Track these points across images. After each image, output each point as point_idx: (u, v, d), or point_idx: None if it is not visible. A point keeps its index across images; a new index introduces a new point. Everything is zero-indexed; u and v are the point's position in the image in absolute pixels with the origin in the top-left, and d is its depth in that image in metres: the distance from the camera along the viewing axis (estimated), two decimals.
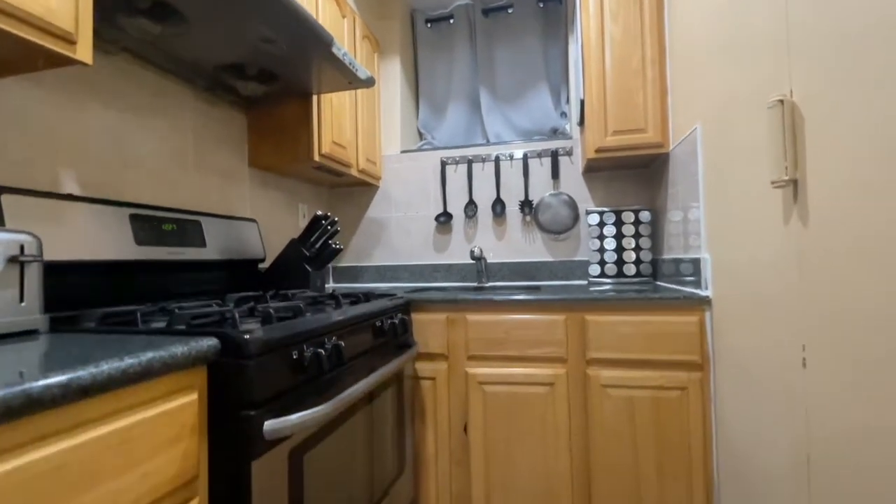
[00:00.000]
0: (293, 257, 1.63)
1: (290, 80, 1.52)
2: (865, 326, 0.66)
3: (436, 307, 1.53)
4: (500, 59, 2.39)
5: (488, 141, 2.36)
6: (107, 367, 0.54)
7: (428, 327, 1.53)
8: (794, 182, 0.82)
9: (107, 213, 1.10)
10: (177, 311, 0.91)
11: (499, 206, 2.12)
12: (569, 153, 2.07)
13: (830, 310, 0.74)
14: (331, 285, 2.30)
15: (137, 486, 0.58)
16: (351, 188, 2.33)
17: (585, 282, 2.01)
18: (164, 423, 0.62)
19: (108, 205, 1.11)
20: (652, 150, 1.68)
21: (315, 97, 1.68)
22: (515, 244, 2.11)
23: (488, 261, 2.13)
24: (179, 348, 0.64)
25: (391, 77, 2.31)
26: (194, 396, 0.67)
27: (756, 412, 1.03)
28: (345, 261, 2.32)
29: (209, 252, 1.39)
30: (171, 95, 1.42)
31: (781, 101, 0.82)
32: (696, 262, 1.38)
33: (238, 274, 1.57)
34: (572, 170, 2.07)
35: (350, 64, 1.44)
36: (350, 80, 1.54)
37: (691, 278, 1.43)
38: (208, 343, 0.69)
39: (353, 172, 1.97)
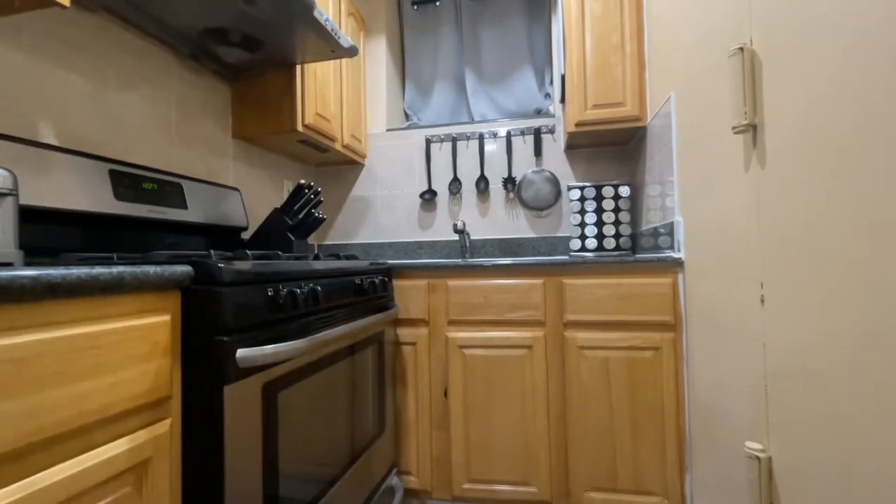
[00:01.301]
0: (276, 225, 1.64)
1: (273, 47, 1.53)
2: (819, 261, 0.69)
3: (417, 273, 1.55)
4: (486, 40, 2.42)
5: (473, 120, 2.38)
6: (77, 270, 0.55)
7: (409, 293, 1.55)
8: (754, 127, 0.86)
9: (86, 165, 1.10)
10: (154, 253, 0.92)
11: (482, 184, 2.15)
12: (551, 131, 2.11)
13: (786, 247, 0.77)
14: None
15: (107, 394, 0.59)
16: (337, 166, 2.34)
17: (567, 257, 2.04)
18: (136, 338, 0.63)
19: (88, 158, 1.11)
20: (630, 124, 1.72)
21: (299, 68, 1.69)
22: (499, 221, 2.14)
23: (472, 237, 2.15)
24: (152, 268, 0.66)
25: (377, 56, 2.32)
26: (167, 318, 0.69)
27: (721, 358, 1.07)
28: (330, 238, 2.33)
29: (191, 214, 1.40)
30: (155, 61, 1.42)
31: (741, 49, 0.86)
32: (669, 227, 1.42)
33: (220, 239, 1.57)
34: (555, 147, 2.11)
35: (332, 31, 1.46)
36: (333, 48, 1.55)
37: (668, 249, 1.47)
38: (182, 269, 0.71)
39: (338, 147, 1.99)
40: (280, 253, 1.01)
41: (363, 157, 2.27)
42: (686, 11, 1.24)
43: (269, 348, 0.77)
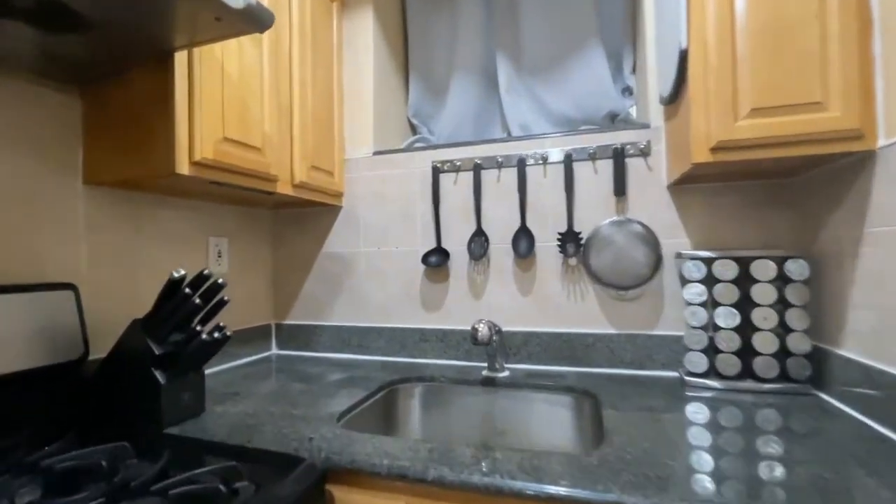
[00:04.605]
0: (133, 356, 0.88)
1: (114, 21, 0.77)
2: None
3: (380, 484, 0.74)
4: (528, 12, 1.56)
5: (509, 134, 1.54)
6: None
7: None
8: None
9: None
10: None
11: (524, 242, 1.30)
12: (644, 152, 1.23)
13: None
14: (273, 352, 1.55)
15: None
16: (301, 209, 1.56)
17: (675, 374, 1.16)
18: None
19: None
20: (840, 146, 0.82)
21: (181, 58, 0.91)
22: (551, 303, 1.29)
23: (505, 329, 1.31)
24: None
25: (360, 41, 1.52)
26: None
27: None
28: (293, 315, 1.56)
29: None
30: None
31: None
32: None
33: (25, 391, 0.82)
34: (650, 181, 1.23)
35: None
36: (216, 13, 0.76)
37: None
38: None
39: (283, 189, 1.20)
40: None
41: (337, 195, 1.48)
42: None
43: None
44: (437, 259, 1.38)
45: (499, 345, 1.22)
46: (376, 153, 1.48)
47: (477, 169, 1.35)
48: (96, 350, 0.96)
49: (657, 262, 1.19)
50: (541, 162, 1.31)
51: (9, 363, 0.79)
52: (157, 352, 0.86)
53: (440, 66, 1.69)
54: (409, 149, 1.48)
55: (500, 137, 1.48)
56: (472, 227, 1.35)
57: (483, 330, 1.09)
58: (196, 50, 0.93)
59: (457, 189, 1.39)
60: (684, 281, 1.10)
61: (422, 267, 1.41)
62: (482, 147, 1.38)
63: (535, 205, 1.31)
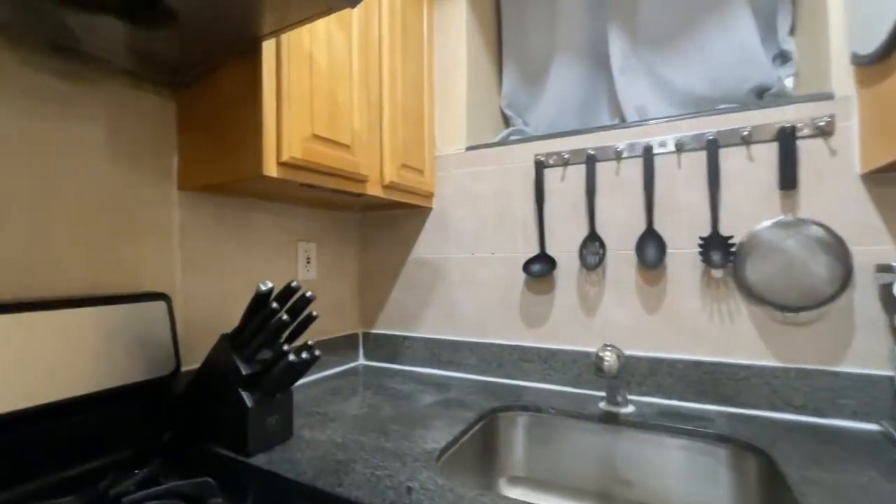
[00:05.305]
0: (220, 375, 0.81)
1: (201, 6, 0.70)
2: None
3: None
4: None
5: (623, 120, 1.31)
6: None
7: None
8: None
9: None
10: None
11: (651, 248, 1.07)
12: (825, 132, 0.93)
13: None
14: (360, 363, 1.47)
15: None
16: (389, 211, 1.46)
17: (875, 427, 0.86)
18: None
19: None
20: None
21: (268, 49, 0.83)
22: (687, 324, 1.04)
23: (626, 353, 1.09)
24: None
25: (452, 26, 1.38)
26: None
27: None
28: (380, 325, 1.47)
29: None
30: None
31: None
32: None
33: (108, 413, 0.79)
34: (833, 169, 0.93)
35: None
36: None
37: None
38: None
39: (372, 190, 1.10)
40: None
41: (428, 196, 1.35)
42: None
43: None
44: (540, 267, 1.19)
45: (616, 380, 1.00)
46: (469, 148, 1.33)
47: (590, 161, 1.14)
48: (187, 362, 0.93)
49: (845, 277, 0.89)
50: (674, 150, 1.06)
51: (102, 380, 0.75)
52: (244, 371, 0.79)
53: (538, 49, 1.49)
54: (506, 142, 1.31)
55: (616, 124, 1.25)
56: (584, 231, 1.15)
57: (610, 359, 0.88)
58: (284, 39, 0.84)
59: (564, 186, 1.19)
60: None
61: (522, 276, 1.23)
62: (595, 136, 1.16)
63: (666, 203, 1.07)
